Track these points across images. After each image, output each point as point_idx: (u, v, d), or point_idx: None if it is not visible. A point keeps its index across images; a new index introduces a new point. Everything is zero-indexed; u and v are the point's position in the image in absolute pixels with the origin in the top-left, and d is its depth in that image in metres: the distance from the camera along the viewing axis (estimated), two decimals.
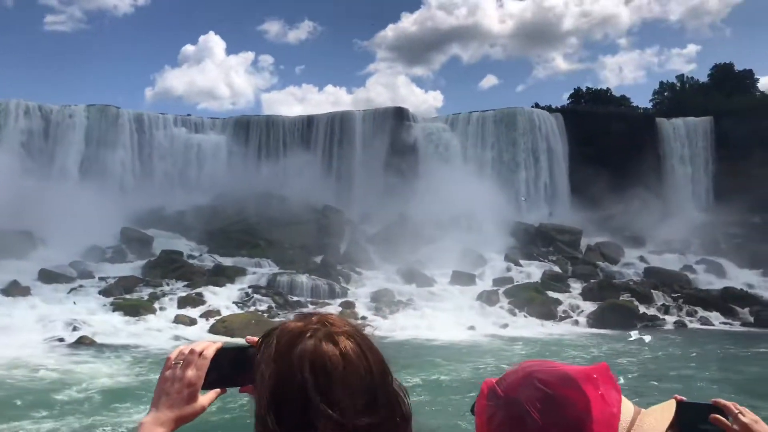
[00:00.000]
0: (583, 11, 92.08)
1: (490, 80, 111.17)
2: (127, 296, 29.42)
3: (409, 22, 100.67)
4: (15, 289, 28.51)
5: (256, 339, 1.39)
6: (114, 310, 26.63)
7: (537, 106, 68.59)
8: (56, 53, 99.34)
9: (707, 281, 36.82)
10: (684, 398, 1.46)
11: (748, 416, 1.50)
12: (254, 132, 56.89)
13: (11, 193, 40.08)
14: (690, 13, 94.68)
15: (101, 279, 32.11)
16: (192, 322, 26.01)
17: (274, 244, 42.12)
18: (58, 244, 38.44)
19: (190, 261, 36.41)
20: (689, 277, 37.18)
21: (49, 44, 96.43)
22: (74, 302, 27.52)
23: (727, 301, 31.75)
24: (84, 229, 38.65)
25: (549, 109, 60.86)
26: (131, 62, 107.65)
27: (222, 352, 1.41)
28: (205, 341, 1.47)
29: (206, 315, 26.94)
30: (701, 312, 30.80)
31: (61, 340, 21.95)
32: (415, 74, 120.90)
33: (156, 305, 27.66)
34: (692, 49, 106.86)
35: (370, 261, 40.11)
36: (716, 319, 30.31)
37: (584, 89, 70.84)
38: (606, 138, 53.94)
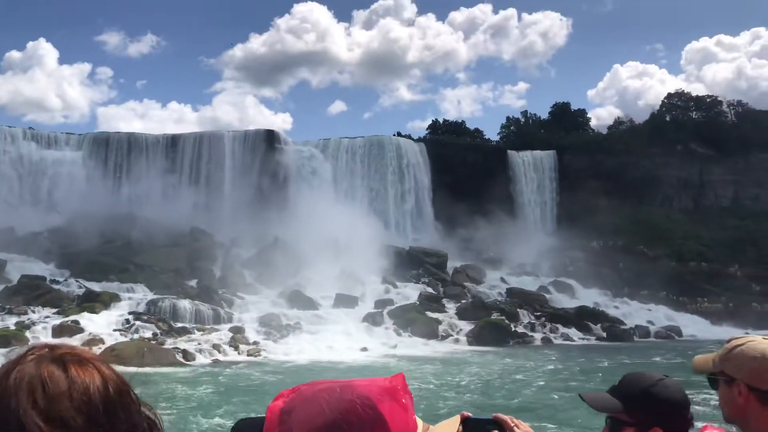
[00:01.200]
0: (426, 44, 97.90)
1: (338, 106, 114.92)
2: None
3: (258, 43, 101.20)
4: None
5: None
6: None
7: (399, 134, 71.88)
8: None
9: (560, 300, 40.81)
10: (470, 414, 1.54)
11: (522, 428, 1.64)
12: (113, 149, 54.20)
13: None
14: (520, 53, 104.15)
15: None
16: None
17: (144, 268, 40.38)
18: None
19: (55, 286, 33.92)
20: (546, 296, 40.95)
21: None
22: None
23: (582, 318, 35.59)
24: None
25: (408, 137, 64.28)
26: None
27: None
28: None
29: (88, 343, 25.35)
30: (562, 329, 34.24)
31: None
32: (263, 95, 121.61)
33: (28, 334, 25.63)
34: (522, 86, 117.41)
35: (249, 285, 39.79)
36: (575, 334, 33.87)
37: (441, 121, 75.31)
38: (463, 167, 57.98)
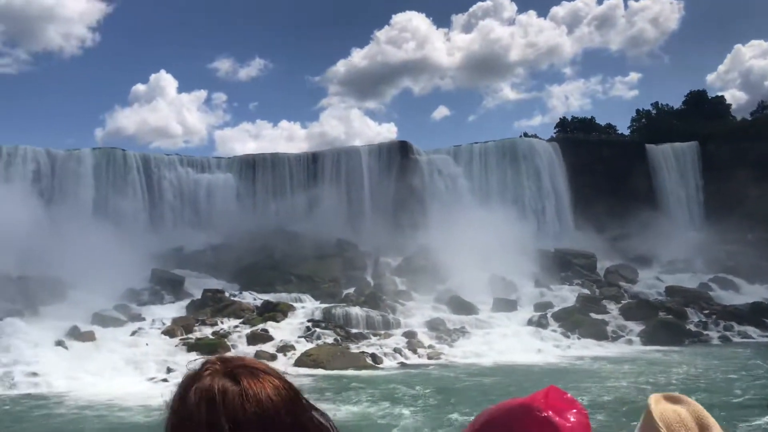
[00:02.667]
0: (528, 42, 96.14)
1: (442, 111, 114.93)
2: (189, 336, 29.65)
3: (359, 57, 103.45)
4: (80, 334, 28.42)
5: None
6: (189, 350, 26.85)
7: (526, 135, 71.39)
8: (3, 95, 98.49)
9: (725, 297, 38.96)
10: None
11: None
12: (260, 170, 57.48)
13: (30, 240, 39.84)
14: (629, 42, 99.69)
15: (154, 320, 32.16)
16: (272, 357, 26.44)
17: (304, 279, 42.66)
18: (89, 288, 38.06)
19: (233, 299, 36.62)
20: (709, 294, 39.28)
21: None
22: (146, 344, 27.62)
23: (757, 314, 33.86)
24: (110, 272, 38.53)
25: (534, 137, 63.75)
26: (80, 103, 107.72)
27: None
28: None
29: (281, 350, 27.42)
30: (737, 326, 32.77)
31: (165, 380, 22.18)
32: (367, 107, 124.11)
33: (228, 343, 27.99)
34: (634, 76, 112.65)
35: (402, 292, 41.00)
36: (753, 332, 32.32)
37: (569, 118, 73.98)
38: (600, 164, 56.70)
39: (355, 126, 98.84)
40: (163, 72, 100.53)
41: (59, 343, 26.58)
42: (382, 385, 20.06)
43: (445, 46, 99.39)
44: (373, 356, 26.19)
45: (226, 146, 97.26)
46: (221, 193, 55.17)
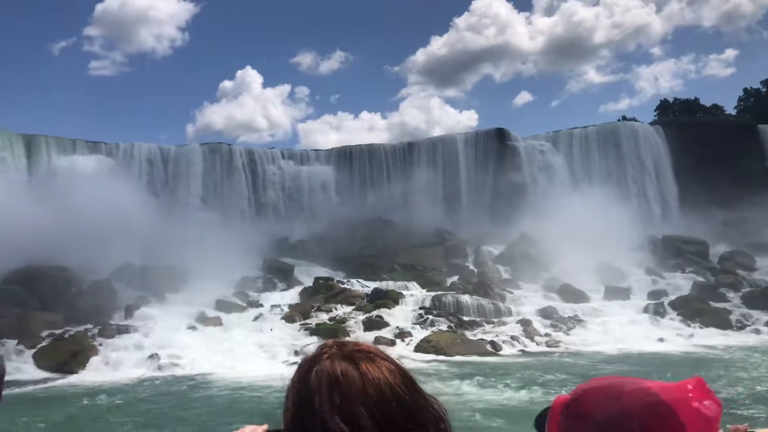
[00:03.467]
0: (614, 22, 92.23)
1: (524, 97, 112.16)
2: (308, 321, 30.78)
3: (438, 45, 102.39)
4: (207, 319, 30.07)
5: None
6: (311, 335, 27.92)
7: (624, 118, 69.10)
8: (102, 96, 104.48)
9: None
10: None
11: None
12: (356, 160, 58.45)
13: (148, 231, 42.15)
14: (724, 17, 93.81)
15: (273, 307, 33.54)
16: (391, 342, 27.09)
17: (408, 267, 43.23)
18: (206, 276, 39.97)
19: (342, 286, 37.63)
20: None
21: (95, 88, 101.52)
22: (271, 329, 28.91)
23: None
24: (224, 261, 40.26)
25: (633, 120, 61.50)
26: (172, 101, 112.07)
27: None
28: (251, 426, 1.47)
29: (399, 336, 28.04)
30: None
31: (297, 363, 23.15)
32: (447, 96, 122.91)
33: (347, 328, 28.88)
34: (730, 53, 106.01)
35: (507, 281, 40.83)
36: None
37: (671, 100, 71.05)
38: (707, 147, 54.18)
39: (435, 114, 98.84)
40: (248, 68, 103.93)
41: (192, 328, 28.26)
42: (520, 371, 20.22)
43: (526, 31, 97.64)
44: (493, 343, 26.36)
45: (308, 138, 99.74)
46: (321, 184, 56.56)
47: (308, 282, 39.22)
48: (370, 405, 1.19)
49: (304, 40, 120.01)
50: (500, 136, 56.39)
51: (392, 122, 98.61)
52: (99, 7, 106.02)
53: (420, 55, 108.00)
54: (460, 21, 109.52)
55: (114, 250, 38.64)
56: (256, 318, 31.40)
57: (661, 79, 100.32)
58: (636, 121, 62.76)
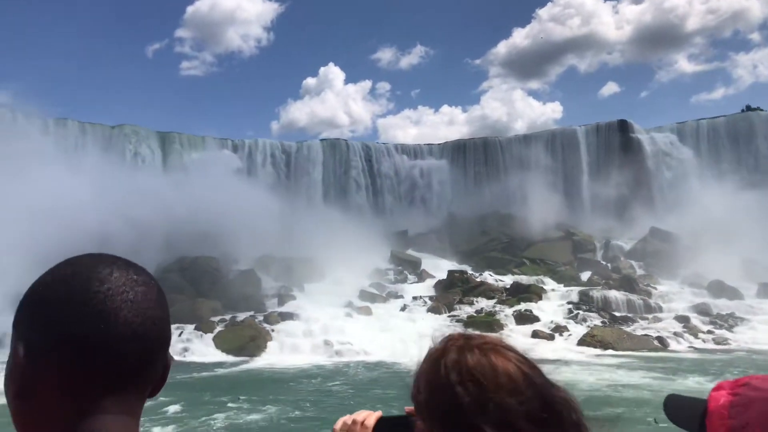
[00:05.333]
0: (708, 8, 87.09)
1: (610, 88, 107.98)
2: (454, 313, 30.95)
3: (521, 37, 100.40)
4: (357, 308, 30.77)
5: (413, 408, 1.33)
6: (466, 326, 28.01)
7: (749, 108, 65.52)
8: (192, 94, 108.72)
9: None
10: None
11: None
12: (471, 154, 58.20)
13: (277, 223, 43.47)
14: None
15: (415, 298, 33.93)
16: (549, 337, 26.85)
17: (537, 262, 42.71)
18: (339, 267, 40.87)
19: (478, 280, 37.57)
20: None
21: (186, 87, 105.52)
22: (423, 319, 29.26)
23: None
24: (352, 253, 41.00)
25: (758, 109, 57.97)
26: (258, 98, 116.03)
27: (382, 421, 1.44)
28: (365, 411, 1.47)
29: (555, 330, 27.72)
30: None
31: None
32: (530, 88, 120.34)
33: (501, 321, 28.84)
34: None
35: (647, 276, 39.60)
36: None
37: None
38: None
39: (518, 107, 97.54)
40: (331, 65, 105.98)
41: (349, 315, 29.00)
42: (708, 366, 19.59)
43: (613, 20, 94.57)
44: (660, 339, 25.62)
45: (388, 133, 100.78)
46: (436, 178, 56.72)
47: (436, 274, 39.41)
48: (502, 394, 1.16)
49: (385, 36, 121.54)
50: (623, 127, 54.70)
51: (473, 115, 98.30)
52: (189, 9, 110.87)
53: (501, 48, 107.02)
54: (543, 12, 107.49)
55: (250, 241, 40.18)
56: (402, 308, 31.83)
57: (760, 66, 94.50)
58: (761, 111, 59.22)
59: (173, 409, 14.27)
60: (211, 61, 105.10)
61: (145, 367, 0.99)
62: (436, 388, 1.20)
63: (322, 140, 57.70)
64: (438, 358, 1.24)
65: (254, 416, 13.71)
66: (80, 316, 0.95)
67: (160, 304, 1.04)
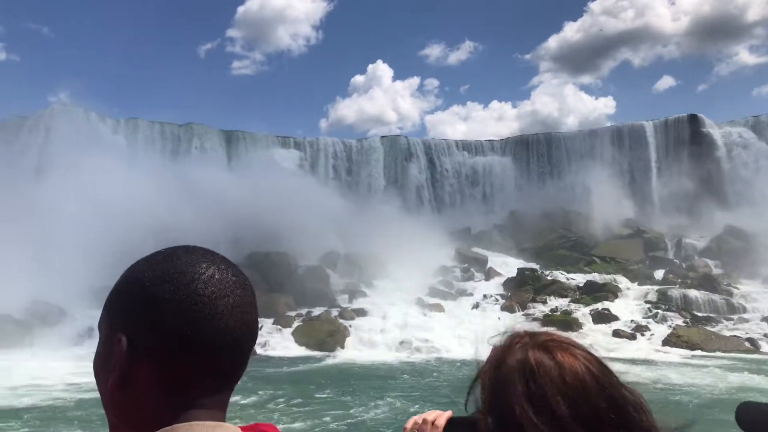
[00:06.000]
0: None
1: (666, 81, 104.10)
2: (528, 312, 30.43)
3: (572, 31, 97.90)
4: (430, 306, 30.58)
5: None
6: (543, 325, 27.47)
7: None
8: (243, 93, 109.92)
9: None
10: None
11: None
12: (534, 150, 57.34)
13: (341, 220, 43.58)
14: None
15: (485, 296, 33.53)
16: (631, 336, 26.13)
17: (607, 260, 41.66)
18: (404, 264, 40.69)
19: (549, 278, 36.88)
20: None
21: (237, 85, 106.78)
22: (498, 318, 28.89)
23: None
24: (416, 250, 40.74)
25: None
26: (307, 96, 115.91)
27: (453, 422, 1.39)
28: (436, 411, 1.42)
29: (636, 330, 26.96)
30: None
31: None
32: (582, 82, 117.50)
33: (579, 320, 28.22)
34: None
35: (724, 275, 38.18)
36: None
37: None
38: None
39: (570, 102, 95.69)
40: (379, 62, 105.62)
41: (422, 313, 28.85)
42: None
43: (669, 12, 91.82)
44: (751, 340, 24.60)
45: (436, 130, 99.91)
46: (498, 174, 56.08)
47: (503, 272, 38.87)
48: (570, 394, 1.13)
49: (433, 32, 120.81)
50: (693, 122, 52.98)
51: (523, 111, 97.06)
52: (240, 9, 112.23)
53: (552, 42, 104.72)
54: (595, 5, 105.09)
55: (314, 238, 40.42)
56: (474, 306, 31.50)
57: None
58: None
59: (285, 402, 14.31)
60: (261, 60, 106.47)
61: (238, 367, 1.04)
62: (499, 385, 1.19)
63: (381, 137, 57.67)
64: (503, 355, 1.24)
65: (369, 410, 13.64)
66: (187, 318, 0.99)
67: (254, 306, 1.07)
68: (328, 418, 12.63)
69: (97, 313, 1.08)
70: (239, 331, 1.02)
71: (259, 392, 15.25)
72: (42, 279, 29.63)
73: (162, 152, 48.56)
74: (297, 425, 12.17)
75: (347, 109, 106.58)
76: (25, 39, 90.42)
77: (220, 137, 52.50)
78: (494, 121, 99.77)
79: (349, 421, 12.53)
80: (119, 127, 48.83)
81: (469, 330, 25.92)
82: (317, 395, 15.21)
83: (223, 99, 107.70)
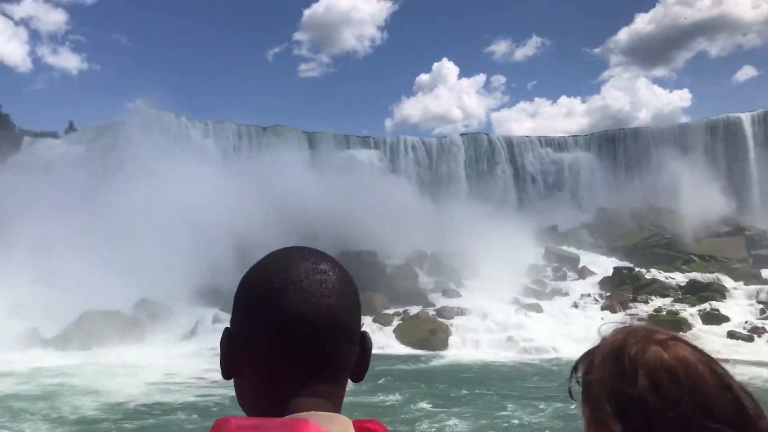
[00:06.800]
0: None
1: (746, 72, 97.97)
2: (630, 312, 29.41)
3: (644, 22, 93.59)
4: (528, 305, 30.02)
5: None
6: None
7: None
8: (310, 95, 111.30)
9: None
10: None
11: None
12: (620, 145, 55.63)
13: (424, 219, 43.33)
14: None
15: (583, 296, 32.66)
16: (748, 338, 24.86)
17: (706, 258, 39.87)
18: (491, 263, 40.01)
19: (648, 276, 35.58)
20: None
21: (304, 88, 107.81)
22: (602, 318, 28.03)
23: None
24: (504, 249, 39.97)
25: None
26: (372, 96, 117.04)
27: None
28: None
29: (753, 331, 25.62)
30: None
31: None
32: (655, 75, 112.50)
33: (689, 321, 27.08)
34: None
35: None
36: None
37: None
38: None
39: (642, 96, 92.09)
40: (444, 60, 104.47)
41: (522, 313, 28.34)
42: None
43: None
44: None
45: (502, 127, 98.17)
46: (583, 170, 54.71)
47: (597, 271, 37.75)
48: (695, 391, 1.11)
49: (499, 28, 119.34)
50: None
51: (592, 106, 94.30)
52: (306, 12, 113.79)
53: (622, 35, 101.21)
54: None
55: (399, 237, 40.39)
56: (573, 306, 30.73)
57: None
58: None
59: (425, 405, 14.18)
60: (327, 62, 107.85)
61: (326, 353, 1.04)
62: (616, 375, 1.16)
63: (462, 135, 57.25)
64: (621, 347, 1.19)
65: (521, 409, 13.37)
66: (273, 307, 1.03)
67: (340, 291, 1.06)
68: (485, 421, 12.40)
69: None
70: (314, 314, 1.02)
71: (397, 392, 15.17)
72: (145, 278, 30.63)
73: (248, 154, 49.71)
74: (460, 426, 12.01)
75: (412, 108, 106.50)
76: (105, 49, 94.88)
77: (303, 138, 53.31)
78: (563, 117, 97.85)
79: (513, 422, 12.29)
80: (208, 130, 50.28)
81: (575, 329, 25.26)
82: (452, 394, 15.05)
83: (291, 101, 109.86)
